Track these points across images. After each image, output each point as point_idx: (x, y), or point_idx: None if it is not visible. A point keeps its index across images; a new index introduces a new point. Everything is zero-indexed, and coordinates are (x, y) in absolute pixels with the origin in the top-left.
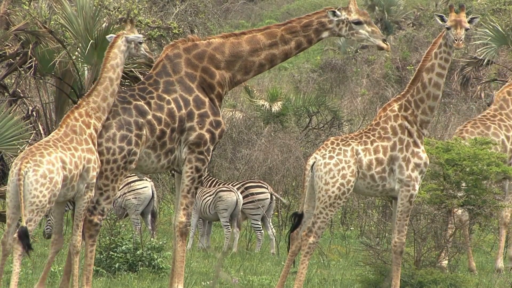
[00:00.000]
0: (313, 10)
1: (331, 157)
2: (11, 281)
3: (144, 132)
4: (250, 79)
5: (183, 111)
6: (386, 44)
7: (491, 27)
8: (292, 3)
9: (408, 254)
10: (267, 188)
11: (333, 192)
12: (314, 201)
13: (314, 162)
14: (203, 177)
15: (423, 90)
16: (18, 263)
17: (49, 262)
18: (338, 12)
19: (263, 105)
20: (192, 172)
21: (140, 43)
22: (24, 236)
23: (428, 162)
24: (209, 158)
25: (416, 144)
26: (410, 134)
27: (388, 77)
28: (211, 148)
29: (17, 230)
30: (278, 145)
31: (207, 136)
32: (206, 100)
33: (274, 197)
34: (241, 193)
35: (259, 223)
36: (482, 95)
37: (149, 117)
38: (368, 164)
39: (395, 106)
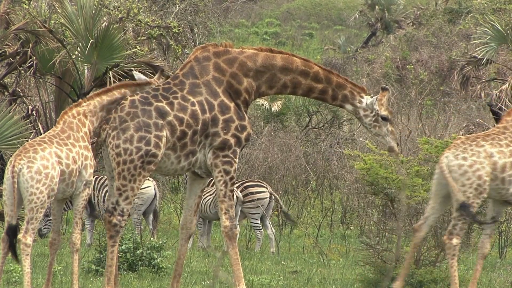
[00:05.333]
0: (314, 9)
1: (465, 158)
2: (24, 281)
3: (165, 133)
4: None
5: (207, 115)
6: (398, 147)
7: (491, 26)
8: (292, 2)
9: (408, 253)
10: (266, 188)
11: (470, 192)
12: (440, 197)
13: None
14: (235, 179)
15: None
16: (27, 262)
17: (51, 262)
18: (370, 102)
19: (262, 104)
20: (222, 176)
21: None
22: (11, 234)
23: None
24: (236, 160)
25: None
26: None
27: (388, 76)
28: (238, 151)
29: (5, 228)
30: (278, 145)
31: (232, 140)
32: (232, 105)
33: (273, 197)
34: (240, 192)
35: (259, 222)
36: (482, 94)
37: (170, 118)
38: (503, 166)
39: None
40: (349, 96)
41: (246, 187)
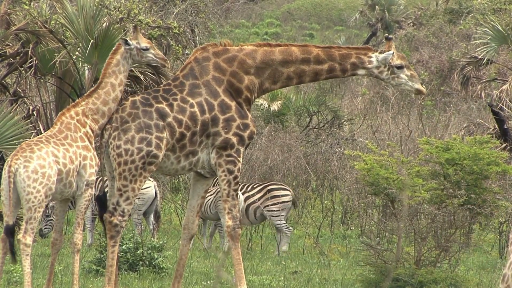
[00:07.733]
0: (314, 10)
1: None
2: (24, 281)
3: (165, 135)
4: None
5: (207, 115)
6: (423, 87)
7: (491, 26)
8: (292, 3)
9: (408, 254)
10: (289, 190)
11: None
12: None
13: None
14: (239, 179)
15: None
16: (27, 262)
17: (52, 262)
18: (379, 56)
19: (262, 104)
20: (226, 175)
21: (144, 49)
22: (9, 235)
23: None
24: (240, 159)
25: None
26: None
27: None
28: (241, 150)
29: (3, 228)
30: (278, 145)
31: (234, 139)
32: (233, 104)
33: (295, 200)
34: (263, 195)
35: (283, 221)
36: (483, 94)
37: (170, 119)
38: None
39: None
40: (358, 62)
41: (269, 190)
